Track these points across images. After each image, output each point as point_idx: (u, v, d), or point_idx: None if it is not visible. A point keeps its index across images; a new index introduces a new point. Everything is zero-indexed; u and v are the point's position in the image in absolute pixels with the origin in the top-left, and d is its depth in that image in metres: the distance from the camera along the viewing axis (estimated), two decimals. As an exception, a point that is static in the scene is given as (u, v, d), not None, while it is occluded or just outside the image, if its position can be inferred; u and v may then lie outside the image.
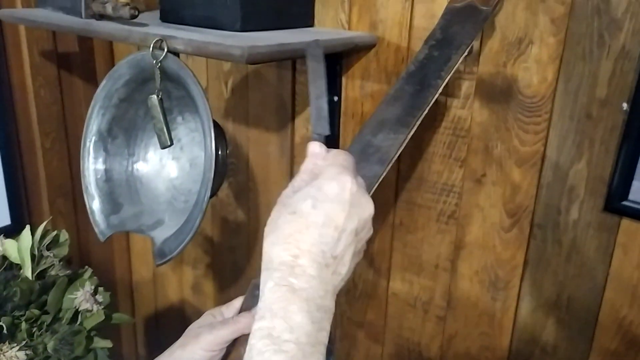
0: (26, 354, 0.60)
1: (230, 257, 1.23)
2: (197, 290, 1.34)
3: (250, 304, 0.62)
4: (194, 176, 0.84)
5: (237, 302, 0.63)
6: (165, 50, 0.73)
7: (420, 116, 0.64)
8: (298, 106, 1.01)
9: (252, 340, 0.43)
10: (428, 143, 0.86)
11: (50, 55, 1.23)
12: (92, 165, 0.83)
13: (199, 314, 1.36)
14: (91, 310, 0.68)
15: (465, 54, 0.66)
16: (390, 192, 0.92)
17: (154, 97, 0.76)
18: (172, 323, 1.42)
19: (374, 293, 0.99)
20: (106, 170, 0.84)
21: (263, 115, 1.06)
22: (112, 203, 0.83)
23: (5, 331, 0.61)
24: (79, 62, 1.28)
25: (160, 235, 0.79)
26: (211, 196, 0.75)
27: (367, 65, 0.89)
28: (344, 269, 0.47)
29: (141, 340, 1.54)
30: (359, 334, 1.04)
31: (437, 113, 0.83)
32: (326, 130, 0.52)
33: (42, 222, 1.30)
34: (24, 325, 0.62)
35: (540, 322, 0.83)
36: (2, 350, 0.59)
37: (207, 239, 1.27)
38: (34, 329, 0.63)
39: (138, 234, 0.82)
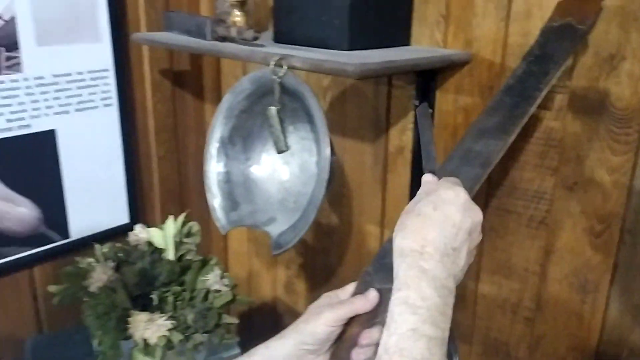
0: (172, 323, 0.71)
1: (322, 259, 1.33)
2: (289, 290, 1.44)
3: (362, 289, 0.71)
4: (303, 179, 0.94)
5: (350, 287, 0.72)
6: (285, 67, 0.83)
7: (520, 125, 0.70)
8: (392, 118, 1.09)
9: (392, 307, 0.54)
10: (520, 153, 0.91)
11: (167, 74, 1.38)
12: (215, 168, 0.95)
13: (290, 311, 1.46)
14: (220, 291, 0.79)
15: (561, 69, 0.72)
16: (481, 199, 0.98)
17: (273, 108, 0.87)
18: (265, 320, 1.53)
19: (462, 294, 1.05)
20: (226, 173, 0.95)
21: (359, 127, 1.15)
22: (231, 201, 0.94)
23: (155, 303, 0.72)
24: (190, 79, 1.43)
25: (274, 230, 0.89)
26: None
27: (461, 80, 0.96)
28: (461, 262, 0.59)
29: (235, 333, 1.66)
30: (447, 334, 1.10)
31: (530, 124, 0.89)
32: (433, 167, 0.69)
33: (154, 222, 1.45)
34: (170, 299, 0.73)
35: (629, 325, 0.86)
36: (154, 319, 0.70)
37: (301, 241, 1.36)
38: (178, 303, 0.74)
39: (254, 229, 0.92)
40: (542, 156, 0.89)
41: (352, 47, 0.90)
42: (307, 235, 1.35)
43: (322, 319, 0.68)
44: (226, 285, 0.80)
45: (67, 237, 1.29)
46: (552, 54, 0.73)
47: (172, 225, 0.82)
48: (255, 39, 0.91)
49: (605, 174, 0.83)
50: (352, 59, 0.81)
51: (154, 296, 0.72)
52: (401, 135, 1.09)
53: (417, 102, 1.02)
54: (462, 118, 0.98)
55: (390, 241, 0.64)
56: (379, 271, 0.72)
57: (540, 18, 0.83)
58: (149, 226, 0.87)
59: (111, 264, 0.76)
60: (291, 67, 0.84)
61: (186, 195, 1.49)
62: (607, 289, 0.87)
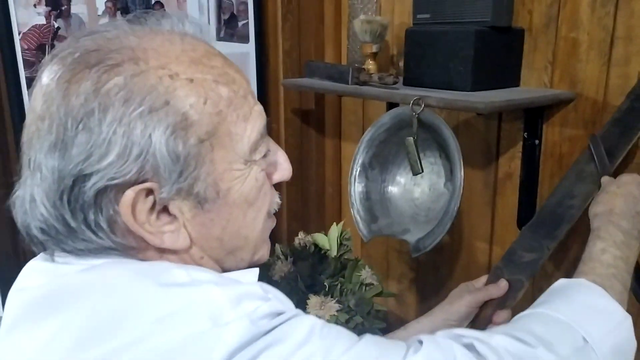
0: (339, 306, 0.91)
1: (432, 273, 1.50)
2: (400, 302, 1.61)
3: (493, 280, 0.89)
4: (432, 198, 1.13)
5: (483, 279, 0.92)
6: (423, 105, 1.04)
7: (625, 149, 0.87)
8: (502, 148, 1.27)
9: (605, 256, 0.72)
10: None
11: (297, 112, 1.62)
12: (357, 188, 1.16)
13: (401, 322, 1.62)
14: (372, 284, 0.98)
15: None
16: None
17: (411, 138, 1.07)
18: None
19: None
20: (366, 192, 1.16)
21: (470, 156, 1.34)
22: (371, 215, 1.14)
23: (327, 289, 0.93)
24: (314, 117, 1.67)
25: (410, 238, 1.08)
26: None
27: (566, 115, 1.13)
28: None
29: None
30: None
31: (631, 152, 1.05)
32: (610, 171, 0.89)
33: (281, 239, 1.67)
34: (337, 287, 0.94)
35: None
36: (326, 301, 0.90)
37: (413, 258, 1.55)
38: (342, 290, 0.94)
39: (392, 237, 1.12)
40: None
41: (474, 89, 1.10)
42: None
43: (464, 300, 0.87)
44: (376, 280, 0.99)
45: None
46: (651, 93, 0.90)
47: (335, 229, 1.02)
48: (395, 82, 1.12)
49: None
50: (480, 98, 1.00)
51: (326, 283, 0.93)
52: (510, 163, 1.26)
53: (525, 135, 1.20)
54: (567, 147, 1.15)
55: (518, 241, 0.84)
56: (508, 265, 0.90)
57: (638, 63, 1.00)
58: (308, 233, 1.08)
59: (290, 259, 0.97)
60: (427, 105, 1.05)
61: (308, 215, 1.72)
62: None
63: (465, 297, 0.88)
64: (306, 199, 1.71)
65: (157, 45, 0.53)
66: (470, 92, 1.09)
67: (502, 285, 0.88)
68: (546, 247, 0.90)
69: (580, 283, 0.68)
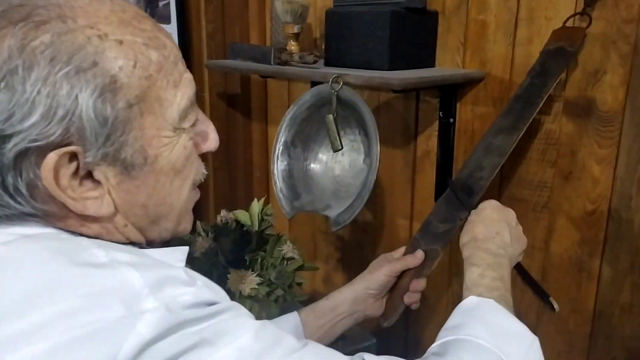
0: (260, 279, 0.93)
1: (358, 253, 1.54)
2: (327, 282, 1.64)
3: (410, 250, 0.94)
4: (352, 173, 1.16)
5: (402, 249, 0.96)
6: (341, 83, 1.07)
7: (527, 124, 0.93)
8: (420, 127, 1.32)
9: (484, 280, 0.74)
10: (526, 150, 1.14)
11: (222, 96, 1.62)
12: (280, 166, 1.17)
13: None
14: (293, 258, 1.00)
15: (557, 82, 0.95)
16: (495, 190, 1.20)
17: (330, 116, 1.10)
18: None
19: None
20: (289, 170, 1.18)
21: (390, 136, 1.38)
22: (294, 193, 1.16)
23: (248, 264, 0.94)
24: (240, 101, 1.67)
25: (331, 213, 1.11)
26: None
27: (477, 93, 1.20)
28: (518, 245, 0.84)
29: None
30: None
31: (533, 128, 1.12)
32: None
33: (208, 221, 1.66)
34: (258, 261, 0.95)
35: (619, 286, 1.07)
36: (247, 275, 0.92)
37: (339, 238, 1.58)
38: (263, 264, 0.95)
39: (313, 213, 1.14)
40: (543, 152, 1.12)
41: (391, 68, 1.14)
42: (344, 232, 1.57)
43: (383, 270, 0.92)
44: (297, 254, 1.01)
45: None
46: (549, 70, 0.96)
47: (256, 205, 1.04)
48: (315, 61, 1.14)
49: (594, 164, 1.06)
50: (394, 76, 1.04)
51: (247, 257, 0.94)
52: (427, 141, 1.32)
53: (441, 114, 1.26)
54: (478, 124, 1.21)
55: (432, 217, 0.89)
56: (424, 236, 0.95)
57: (539, 43, 1.07)
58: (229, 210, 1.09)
59: (211, 235, 0.98)
60: (346, 83, 1.08)
61: (235, 198, 1.72)
62: (599, 259, 1.09)
63: (384, 267, 0.92)
64: (234, 183, 1.71)
65: (85, 3, 0.52)
66: (387, 71, 1.13)
67: (419, 255, 0.93)
68: (458, 217, 0.95)
69: (490, 303, 0.70)
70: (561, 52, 0.97)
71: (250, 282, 0.90)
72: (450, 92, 1.23)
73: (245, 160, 1.72)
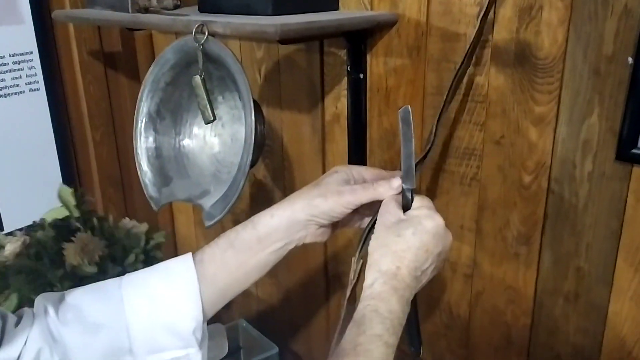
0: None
1: (269, 235, 1.31)
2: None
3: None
4: (235, 150, 0.92)
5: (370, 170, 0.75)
6: (207, 33, 0.81)
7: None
8: (327, 86, 1.09)
9: (364, 311, 0.60)
10: (450, 111, 0.92)
11: (97, 55, 1.33)
12: (144, 144, 0.92)
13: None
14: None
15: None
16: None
17: (198, 77, 0.85)
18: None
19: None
20: (156, 148, 0.93)
21: (295, 98, 1.14)
22: (163, 177, 0.92)
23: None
24: (122, 60, 1.39)
25: (208, 202, 0.87)
26: (251, 165, 0.83)
27: (390, 42, 0.96)
28: (426, 279, 0.67)
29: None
30: (393, 298, 1.11)
31: (457, 81, 0.89)
32: (413, 184, 0.67)
33: (95, 211, 1.41)
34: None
35: (562, 272, 0.88)
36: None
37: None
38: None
39: (187, 202, 0.91)
40: (470, 112, 0.90)
41: (276, 12, 0.89)
42: (252, 213, 1.34)
43: (342, 200, 0.69)
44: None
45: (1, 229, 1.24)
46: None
47: (66, 191, 0.83)
48: (176, 7, 0.88)
49: (530, 124, 0.84)
50: (273, 21, 0.79)
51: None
52: (336, 103, 1.08)
53: (349, 68, 1.02)
54: (393, 81, 0.98)
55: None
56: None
57: (460, -27, 0.84)
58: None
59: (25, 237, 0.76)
60: (213, 33, 0.82)
61: (128, 179, 1.46)
62: (539, 240, 0.89)
63: (345, 197, 0.69)
64: (125, 160, 1.45)
65: None
66: (271, 17, 0.88)
67: (395, 184, 0.69)
68: None
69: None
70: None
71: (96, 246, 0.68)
72: (359, 42, 0.99)
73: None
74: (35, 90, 1.24)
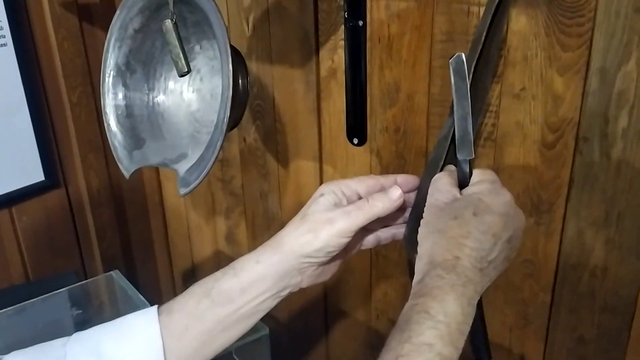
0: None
1: (262, 204, 1.21)
2: (231, 241, 1.33)
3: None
4: (215, 107, 0.80)
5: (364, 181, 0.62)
6: (176, -32, 0.69)
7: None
8: (322, 36, 0.96)
9: (409, 312, 0.47)
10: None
11: (71, 7, 1.21)
12: (112, 102, 0.81)
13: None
14: None
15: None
16: (422, 119, 0.87)
17: (168, 21, 0.73)
18: (208, 275, 1.42)
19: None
20: (126, 106, 0.82)
21: (286, 50, 1.02)
22: (135, 139, 0.81)
23: None
24: (100, 13, 1.27)
25: (183, 167, 0.77)
26: (232, 125, 0.72)
27: (392, -18, 0.84)
28: (495, 272, 0.54)
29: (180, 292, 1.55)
30: (396, 272, 1.01)
31: (469, 25, 0.77)
32: (471, 154, 0.55)
33: (75, 176, 1.31)
34: None
35: (589, 244, 0.77)
36: None
37: (238, 187, 1.25)
38: None
39: (162, 167, 0.80)
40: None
41: (259, -55, 0.76)
42: (244, 180, 1.24)
43: (335, 228, 0.56)
44: None
45: (-30, 199, 1.15)
46: None
47: None
48: (143, -60, 0.76)
49: (556, 74, 0.72)
50: (254, -48, 0.67)
51: None
52: (332, 56, 0.96)
53: (346, 14, 0.90)
54: (396, 27, 0.86)
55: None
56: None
57: None
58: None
59: None
60: (184, -31, 0.70)
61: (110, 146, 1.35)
62: (563, 207, 0.78)
63: (339, 224, 0.56)
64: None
65: None
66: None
67: (395, 195, 0.58)
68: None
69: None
70: None
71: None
72: (357, -18, 0.87)
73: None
74: (2, 45, 1.12)
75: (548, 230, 0.80)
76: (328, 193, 0.60)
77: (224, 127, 0.66)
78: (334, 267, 0.63)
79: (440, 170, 0.59)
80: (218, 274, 0.61)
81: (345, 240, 0.57)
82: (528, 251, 0.83)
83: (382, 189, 0.61)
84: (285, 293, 0.61)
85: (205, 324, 0.58)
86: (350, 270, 1.09)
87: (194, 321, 0.58)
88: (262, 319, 1.09)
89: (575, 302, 0.81)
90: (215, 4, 0.67)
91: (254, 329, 0.99)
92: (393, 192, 0.58)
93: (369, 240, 0.65)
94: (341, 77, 0.96)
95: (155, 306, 0.60)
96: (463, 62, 0.53)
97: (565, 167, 0.76)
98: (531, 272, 0.84)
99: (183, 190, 0.72)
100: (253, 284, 0.58)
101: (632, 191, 0.71)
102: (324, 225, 0.56)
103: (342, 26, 0.92)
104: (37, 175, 1.23)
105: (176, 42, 0.74)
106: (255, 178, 1.20)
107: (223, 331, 0.59)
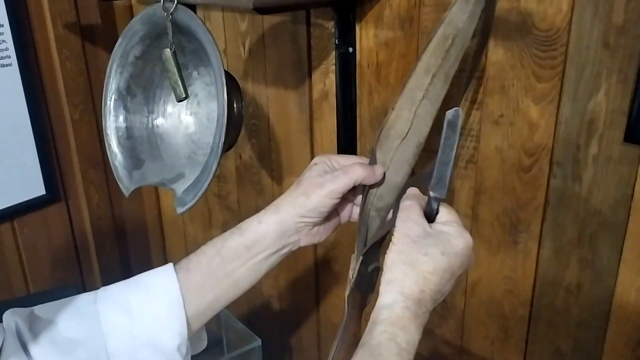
0: None
1: (256, 219, 1.25)
2: (226, 254, 1.36)
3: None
4: (211, 130, 0.85)
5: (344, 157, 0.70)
6: (176, 1, 0.74)
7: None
8: (314, 61, 1.01)
9: (378, 337, 0.54)
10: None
11: (74, 28, 1.26)
12: (114, 124, 0.86)
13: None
14: None
15: None
16: (409, 141, 0.92)
17: (167, 50, 0.78)
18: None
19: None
20: (127, 128, 0.86)
21: (280, 73, 1.07)
22: (134, 159, 0.85)
23: None
24: (101, 34, 1.31)
25: (181, 187, 0.81)
26: (227, 147, 0.77)
27: (380, 13, 0.88)
28: (442, 298, 0.61)
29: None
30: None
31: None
32: (443, 195, 0.60)
33: (75, 192, 1.35)
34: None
35: (563, 262, 0.82)
36: None
37: (234, 202, 1.29)
38: None
39: (160, 187, 0.84)
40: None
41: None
42: (239, 196, 1.28)
43: (325, 190, 0.65)
44: None
45: (-27, 213, 1.19)
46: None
47: None
48: (145, -27, 0.80)
49: (531, 102, 0.77)
50: (248, -12, 0.72)
51: None
52: (324, 79, 1.01)
53: (337, 41, 0.94)
54: (384, 55, 0.91)
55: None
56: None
57: None
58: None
59: None
60: (183, 2, 0.75)
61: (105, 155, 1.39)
62: (539, 227, 0.83)
63: (328, 186, 0.64)
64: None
65: None
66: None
67: (378, 172, 0.67)
68: None
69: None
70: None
71: None
72: (347, 12, 0.91)
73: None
74: (7, 65, 1.17)
75: (526, 249, 0.85)
76: (320, 163, 0.68)
77: (219, 152, 0.71)
78: (328, 229, 0.71)
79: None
80: (226, 234, 0.68)
81: (334, 200, 0.65)
82: (507, 268, 0.88)
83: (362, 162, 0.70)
84: (285, 251, 0.69)
85: (218, 279, 0.66)
86: (341, 284, 1.13)
87: (208, 278, 0.65)
88: (255, 331, 1.13)
89: (552, 316, 0.85)
90: (212, 36, 0.72)
91: (247, 341, 1.03)
92: (377, 167, 0.68)
93: (357, 213, 0.73)
94: (333, 99, 1.00)
95: (171, 264, 0.67)
96: (459, 116, 0.59)
97: (540, 189, 0.80)
98: (511, 288, 0.89)
99: (180, 209, 0.76)
100: (257, 241, 0.66)
101: (603, 213, 0.76)
102: (315, 188, 0.65)
103: (334, 52, 0.96)
104: (38, 189, 1.27)
105: (175, 70, 0.78)
106: (251, 194, 1.24)
107: (233, 284, 0.66)
